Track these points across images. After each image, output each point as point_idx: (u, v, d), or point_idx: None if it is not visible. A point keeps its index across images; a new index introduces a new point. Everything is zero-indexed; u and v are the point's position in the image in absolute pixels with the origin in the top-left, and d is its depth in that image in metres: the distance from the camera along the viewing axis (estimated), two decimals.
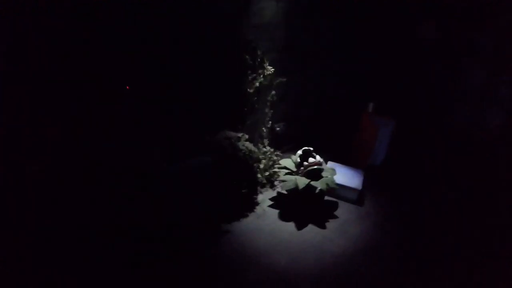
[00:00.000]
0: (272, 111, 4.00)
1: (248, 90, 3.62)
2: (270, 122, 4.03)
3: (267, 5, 3.66)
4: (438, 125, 4.66)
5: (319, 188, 3.31)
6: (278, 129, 4.25)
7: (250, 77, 3.63)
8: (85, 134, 2.87)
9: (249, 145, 3.43)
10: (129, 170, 2.98)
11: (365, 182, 3.88)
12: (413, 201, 3.86)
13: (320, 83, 4.59)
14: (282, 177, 3.46)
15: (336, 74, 4.66)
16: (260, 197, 3.69)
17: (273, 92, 3.94)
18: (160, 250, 2.96)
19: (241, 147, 3.35)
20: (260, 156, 3.73)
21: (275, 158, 3.91)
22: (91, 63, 2.80)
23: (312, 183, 3.33)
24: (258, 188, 3.71)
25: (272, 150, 3.98)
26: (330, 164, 4.03)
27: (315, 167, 3.38)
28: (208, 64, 3.35)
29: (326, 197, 3.76)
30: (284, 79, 3.96)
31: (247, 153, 3.35)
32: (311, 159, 3.47)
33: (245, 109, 3.71)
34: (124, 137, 3.03)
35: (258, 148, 3.83)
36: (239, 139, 3.44)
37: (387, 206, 3.75)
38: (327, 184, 3.35)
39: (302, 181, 3.30)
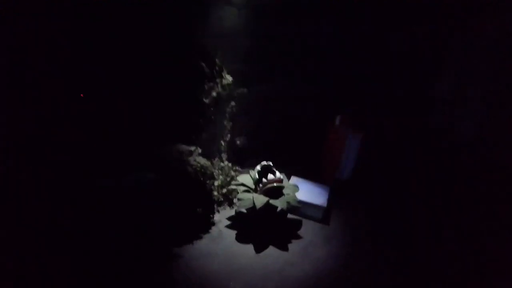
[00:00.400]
0: (231, 123, 3.73)
1: (204, 100, 3.34)
2: (229, 135, 3.74)
3: (227, 13, 3.43)
4: (410, 135, 4.51)
5: (279, 207, 3.03)
6: (238, 142, 3.97)
7: (206, 87, 3.36)
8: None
9: (202, 160, 3.12)
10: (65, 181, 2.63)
11: (331, 199, 3.63)
12: (383, 218, 3.62)
13: (287, 94, 4.37)
14: (239, 195, 3.15)
15: (304, 84, 4.46)
16: (217, 217, 3.36)
17: (233, 103, 3.68)
18: (99, 272, 2.57)
19: (192, 162, 3.04)
20: (216, 172, 3.42)
21: (233, 174, 3.61)
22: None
23: (272, 201, 3.04)
24: (215, 206, 3.39)
25: (230, 165, 3.68)
26: (294, 179, 3.76)
27: (275, 184, 3.10)
28: (159, 71, 3.05)
29: (289, 215, 3.47)
30: (245, 90, 3.71)
31: (198, 168, 3.03)
32: (270, 176, 3.19)
33: (201, 120, 3.42)
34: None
35: (213, 163, 3.52)
36: (190, 153, 3.13)
37: (356, 225, 3.49)
38: (288, 203, 3.06)
39: (260, 200, 3.01)
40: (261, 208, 2.95)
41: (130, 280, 2.60)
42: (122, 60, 2.88)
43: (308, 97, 4.54)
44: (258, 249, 3.02)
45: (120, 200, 2.81)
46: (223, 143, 3.70)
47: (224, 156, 3.69)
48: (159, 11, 2.92)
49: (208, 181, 3.14)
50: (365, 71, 4.56)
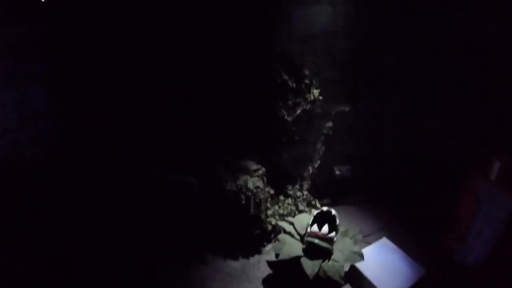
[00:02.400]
0: (324, 147, 3.09)
1: (286, 118, 2.89)
2: (319, 161, 3.12)
3: (318, 11, 2.77)
4: None
5: (307, 270, 2.34)
6: (338, 172, 3.25)
7: (290, 102, 2.89)
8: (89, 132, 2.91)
9: (252, 182, 2.73)
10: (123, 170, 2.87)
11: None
12: None
13: (411, 118, 3.27)
14: (279, 236, 2.62)
15: (439, 105, 3.21)
16: (269, 247, 2.95)
17: (330, 123, 3.02)
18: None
19: (241, 182, 2.71)
20: (274, 199, 2.94)
21: (303, 207, 3.00)
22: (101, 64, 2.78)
23: (303, 259, 2.38)
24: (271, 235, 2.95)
25: (309, 196, 3.07)
26: (381, 243, 2.80)
27: (316, 240, 2.39)
28: (232, 79, 2.82)
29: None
30: (347, 108, 2.98)
31: (243, 189, 2.68)
32: (314, 228, 2.47)
33: (283, 140, 2.99)
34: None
35: (288, 190, 3.03)
36: (249, 171, 2.79)
37: None
38: (324, 271, 2.33)
39: (294, 249, 2.42)
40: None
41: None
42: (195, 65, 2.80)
43: (445, 125, 3.23)
44: None
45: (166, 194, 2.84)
46: (310, 169, 3.13)
47: (306, 184, 3.12)
48: (234, 13, 2.65)
49: (255, 207, 2.75)
50: None
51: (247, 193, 2.71)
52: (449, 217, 3.01)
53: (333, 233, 2.44)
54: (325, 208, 2.61)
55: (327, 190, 3.31)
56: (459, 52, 3.05)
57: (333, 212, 2.57)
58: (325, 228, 2.47)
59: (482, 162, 2.89)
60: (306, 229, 2.55)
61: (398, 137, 3.35)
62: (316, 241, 2.41)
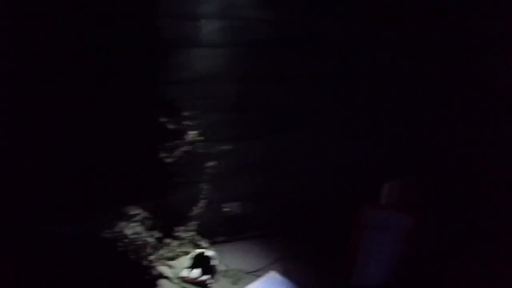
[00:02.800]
0: (210, 186, 3.14)
1: (167, 160, 2.91)
2: (207, 200, 3.16)
3: (200, 53, 2.88)
4: None
5: None
6: (228, 210, 3.31)
7: (170, 144, 2.92)
8: None
9: (131, 227, 2.70)
10: None
11: None
12: None
13: (306, 149, 3.47)
14: (159, 281, 2.59)
15: (331, 139, 3.49)
16: None
17: (214, 163, 3.09)
18: None
19: (118, 228, 2.66)
20: (160, 243, 2.91)
21: (189, 250, 3.00)
22: None
23: None
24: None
25: (196, 237, 3.08)
26: (270, 276, 2.86)
27: (186, 285, 2.39)
28: (110, 123, 2.81)
29: None
30: (230, 147, 3.07)
31: (122, 236, 2.63)
32: (194, 272, 2.48)
33: (167, 182, 3.01)
34: None
35: (175, 233, 3.02)
36: (128, 216, 2.75)
37: None
38: None
39: None
40: None
41: None
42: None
43: (337, 157, 3.52)
44: None
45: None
46: (198, 209, 3.15)
47: (194, 224, 3.13)
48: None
49: (135, 253, 2.70)
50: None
51: (125, 240, 2.66)
52: (343, 244, 3.16)
53: (205, 276, 2.45)
54: (201, 250, 2.63)
55: (219, 229, 3.31)
56: (347, 88, 3.41)
57: (209, 253, 2.59)
58: (195, 272, 2.48)
59: (374, 187, 3.11)
60: (182, 273, 2.54)
61: (291, 171, 3.50)
62: (186, 286, 2.40)
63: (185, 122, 2.91)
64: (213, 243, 3.18)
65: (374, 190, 3.12)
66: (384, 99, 3.57)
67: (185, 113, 2.89)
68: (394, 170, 3.39)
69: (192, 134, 2.95)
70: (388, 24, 3.37)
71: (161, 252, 2.90)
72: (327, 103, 3.40)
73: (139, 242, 2.71)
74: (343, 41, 3.31)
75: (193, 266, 2.56)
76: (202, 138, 3.00)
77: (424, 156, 3.74)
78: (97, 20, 2.58)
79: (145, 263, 2.76)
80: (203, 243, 3.10)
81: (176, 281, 2.56)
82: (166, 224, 3.01)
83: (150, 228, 2.86)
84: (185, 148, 2.96)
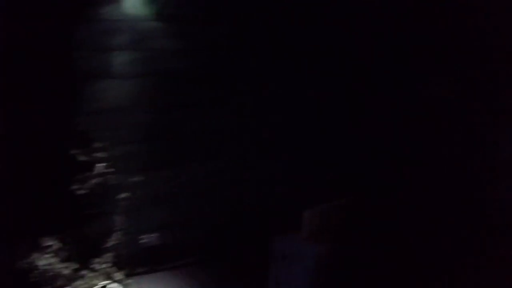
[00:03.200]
0: (128, 217, 3.22)
1: (77, 191, 2.98)
2: (125, 231, 3.21)
3: (111, 85, 3.17)
4: None
5: None
6: (146, 241, 3.37)
7: (82, 176, 3.02)
8: None
9: (44, 259, 2.64)
10: None
11: None
12: None
13: (229, 177, 3.75)
14: None
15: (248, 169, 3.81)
16: None
17: (128, 193, 3.22)
18: None
19: (30, 259, 2.59)
20: (75, 274, 2.86)
21: (105, 282, 2.97)
22: None
23: None
24: None
25: (112, 269, 3.06)
26: None
27: None
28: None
29: None
30: (141, 177, 3.25)
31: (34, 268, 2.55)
32: None
33: (80, 213, 3.03)
34: None
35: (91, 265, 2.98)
36: (41, 248, 2.70)
37: None
38: None
39: None
40: None
41: None
42: None
43: (256, 182, 3.84)
44: None
45: None
46: (115, 240, 3.17)
47: (110, 256, 3.12)
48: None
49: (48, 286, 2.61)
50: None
51: (37, 271, 2.58)
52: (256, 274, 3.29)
53: None
54: (107, 282, 2.66)
55: (138, 260, 3.33)
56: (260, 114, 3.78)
57: (113, 285, 2.64)
58: None
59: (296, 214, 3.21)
60: None
61: (206, 199, 3.70)
62: None
63: (96, 154, 3.06)
64: (132, 275, 3.17)
65: (295, 217, 3.27)
66: (299, 125, 4.00)
67: (97, 144, 3.06)
68: (317, 196, 3.56)
69: (103, 166, 3.09)
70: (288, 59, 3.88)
71: (77, 283, 2.82)
72: (240, 129, 3.75)
73: (52, 274, 2.64)
74: (252, 70, 3.73)
75: None
76: (113, 169, 3.15)
77: (349, 181, 3.92)
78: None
79: None
80: (118, 275, 3.08)
81: None
82: (82, 256, 2.96)
83: (65, 260, 2.80)
84: (97, 180, 3.07)
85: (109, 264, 3.09)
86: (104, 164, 3.12)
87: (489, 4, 2.94)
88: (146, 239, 3.39)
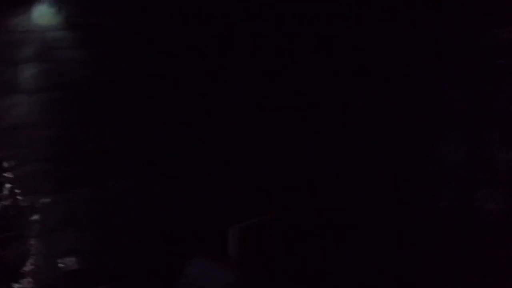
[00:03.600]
0: (43, 241, 3.00)
1: None
2: (40, 255, 2.98)
3: (16, 100, 2.99)
4: None
5: None
6: (62, 265, 3.16)
7: None
8: None
9: None
10: None
11: None
12: None
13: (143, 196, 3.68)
14: None
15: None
16: None
17: (38, 216, 3.01)
18: None
19: None
20: None
21: None
22: None
23: None
24: None
25: None
26: None
27: None
28: None
29: None
30: (52, 198, 3.08)
31: None
32: None
33: None
34: None
35: None
36: None
37: None
38: None
39: None
40: None
41: None
42: None
43: (178, 200, 3.79)
44: None
45: None
46: (30, 265, 2.90)
47: (27, 281, 2.84)
48: None
49: None
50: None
51: None
52: None
53: None
54: None
55: (58, 285, 3.09)
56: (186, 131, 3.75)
57: None
58: None
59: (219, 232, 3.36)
60: None
61: (125, 220, 3.56)
62: None
63: (4, 173, 2.82)
64: None
65: (219, 236, 3.45)
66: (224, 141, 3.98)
67: (4, 164, 2.83)
68: (243, 213, 3.64)
69: (10, 186, 2.86)
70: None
71: None
72: (153, 145, 3.66)
73: None
74: (167, 80, 3.67)
75: None
76: (21, 190, 2.92)
77: (278, 198, 3.88)
78: None
79: None
80: None
81: None
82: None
83: None
84: (6, 202, 2.81)
85: None
86: (11, 185, 2.89)
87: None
88: (64, 263, 3.16)
